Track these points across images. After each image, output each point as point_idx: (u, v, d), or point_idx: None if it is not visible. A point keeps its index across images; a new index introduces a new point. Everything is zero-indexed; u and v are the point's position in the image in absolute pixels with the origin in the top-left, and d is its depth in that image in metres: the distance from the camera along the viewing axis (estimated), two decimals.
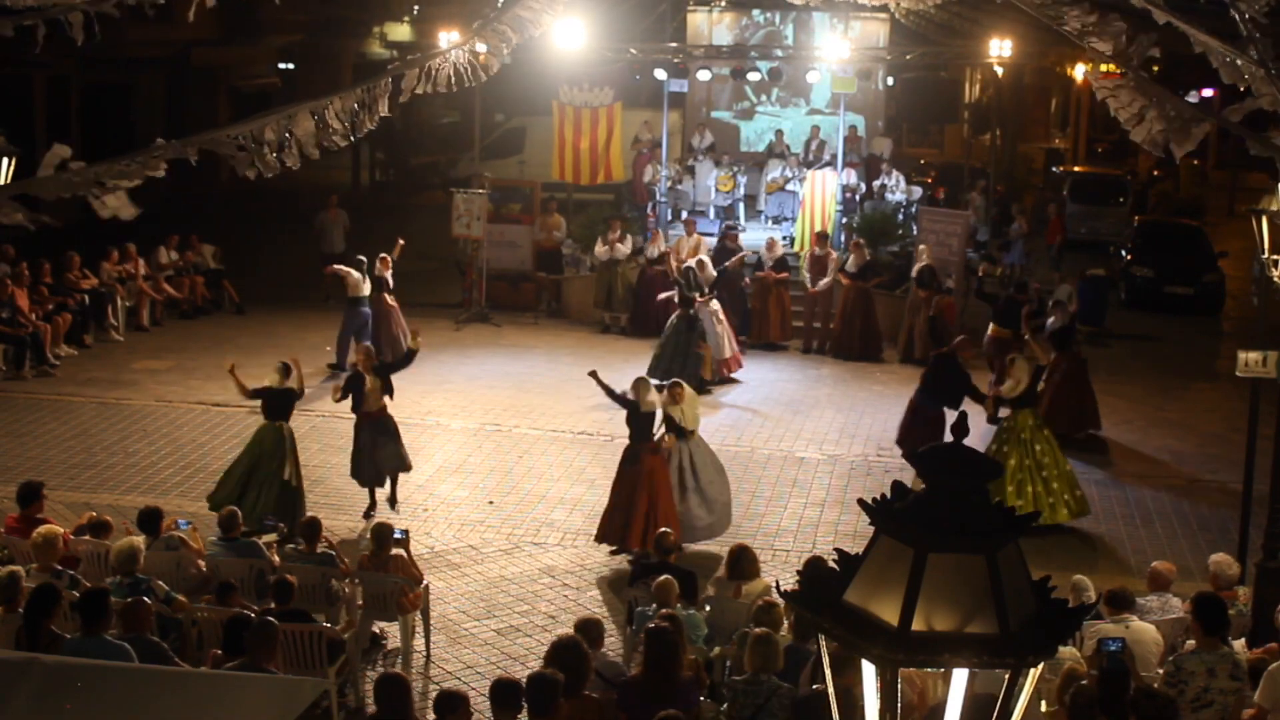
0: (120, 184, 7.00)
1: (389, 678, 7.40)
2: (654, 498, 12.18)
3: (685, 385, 12.93)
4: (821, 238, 20.90)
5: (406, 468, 13.59)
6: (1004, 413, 13.86)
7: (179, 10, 8.18)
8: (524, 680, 7.16)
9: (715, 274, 18.65)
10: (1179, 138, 7.90)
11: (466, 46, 10.29)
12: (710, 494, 12.59)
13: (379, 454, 13.34)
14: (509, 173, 26.07)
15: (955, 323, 20.39)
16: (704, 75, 24.07)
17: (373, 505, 13.48)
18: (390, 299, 18.45)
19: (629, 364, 18.46)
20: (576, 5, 18.79)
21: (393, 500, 13.58)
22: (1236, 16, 7.82)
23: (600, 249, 21.11)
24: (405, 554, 10.48)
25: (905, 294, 20.24)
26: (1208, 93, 42.70)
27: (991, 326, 17.68)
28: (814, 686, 7.62)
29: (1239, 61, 7.84)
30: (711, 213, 24.49)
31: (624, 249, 21.00)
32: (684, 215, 22.93)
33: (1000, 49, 21.46)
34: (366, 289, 18.03)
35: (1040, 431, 13.50)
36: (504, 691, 7.11)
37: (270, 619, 7.99)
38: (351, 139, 8.81)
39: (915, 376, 18.93)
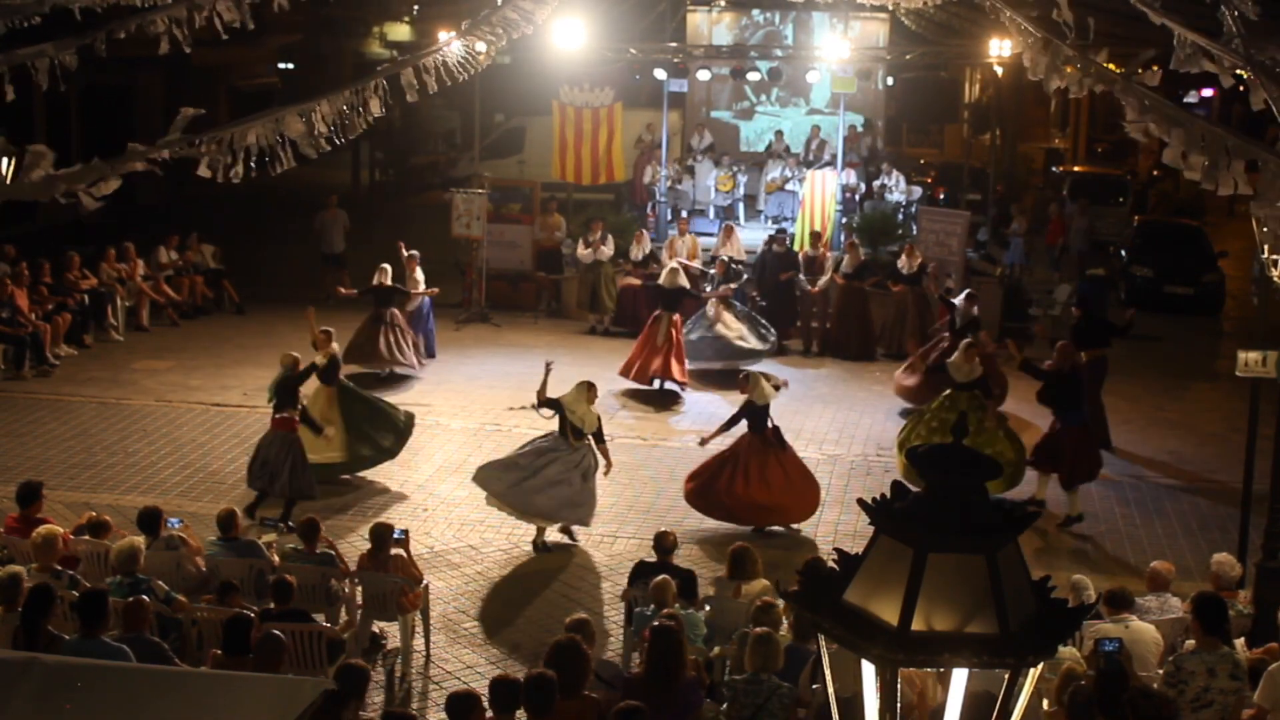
0: (98, 190, 7.06)
1: (349, 667, 7.38)
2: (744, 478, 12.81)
3: (595, 387, 13.06)
4: (816, 238, 20.93)
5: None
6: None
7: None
8: (521, 681, 7.17)
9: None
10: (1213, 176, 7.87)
11: (457, 45, 10.31)
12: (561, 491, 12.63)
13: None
14: (509, 173, 26.08)
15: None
16: (704, 75, 24.10)
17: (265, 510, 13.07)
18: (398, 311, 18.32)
19: (623, 362, 18.43)
20: (576, 5, 18.85)
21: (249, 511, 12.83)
22: (1225, 13, 7.83)
23: (583, 251, 21.10)
24: (405, 554, 10.48)
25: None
26: (1207, 93, 42.73)
27: (1082, 354, 15.65)
28: (814, 686, 7.63)
29: (1226, 60, 7.86)
30: (711, 213, 24.51)
31: (607, 250, 21.00)
32: (683, 214, 22.93)
33: (1000, 49, 21.47)
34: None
35: (975, 411, 13.62)
36: (502, 691, 7.12)
37: (275, 632, 7.96)
38: (339, 141, 8.84)
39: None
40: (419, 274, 18.90)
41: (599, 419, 12.80)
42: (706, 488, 13.05)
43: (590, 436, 12.68)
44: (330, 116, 8.61)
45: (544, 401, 12.75)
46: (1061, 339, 15.11)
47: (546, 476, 12.44)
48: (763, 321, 18.98)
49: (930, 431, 13.85)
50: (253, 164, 8.06)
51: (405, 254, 18.95)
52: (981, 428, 13.57)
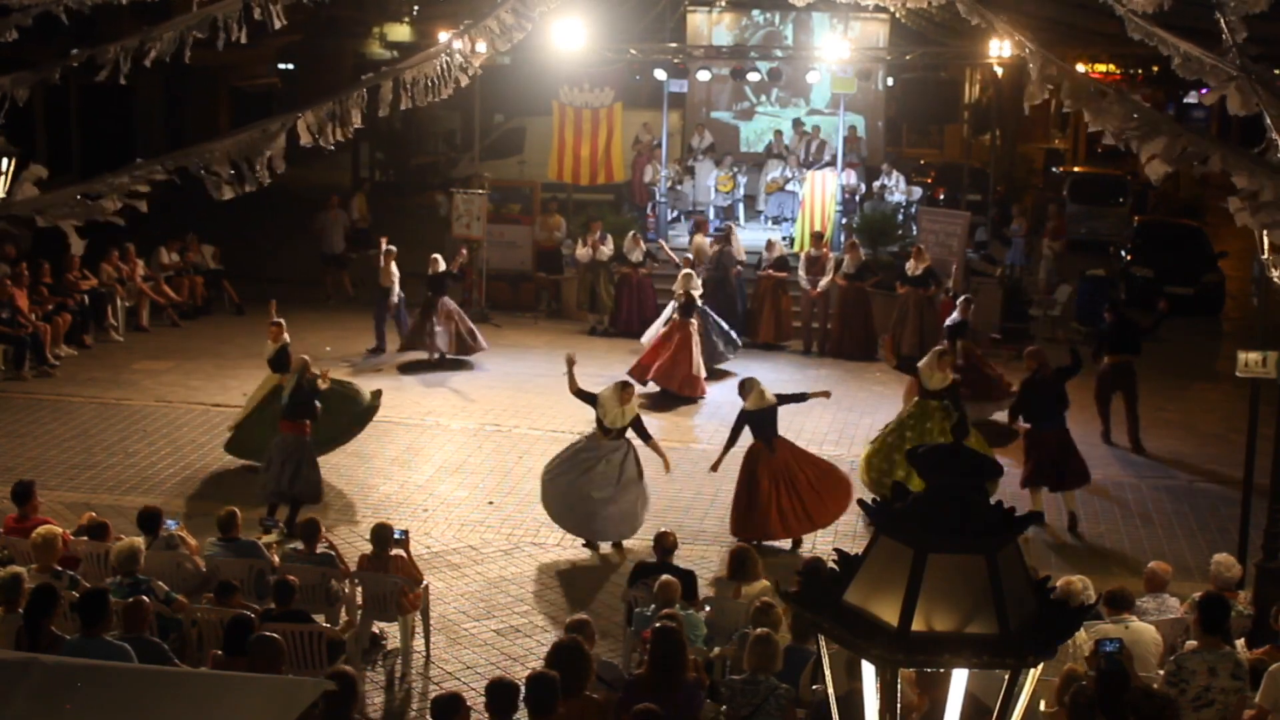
0: (103, 205, 7.13)
1: (337, 674, 7.33)
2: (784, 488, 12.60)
3: (631, 386, 13.04)
4: (818, 239, 20.93)
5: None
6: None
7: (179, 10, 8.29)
8: (523, 681, 7.16)
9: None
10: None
11: (444, 55, 10.34)
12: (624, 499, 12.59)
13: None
14: (509, 173, 26.08)
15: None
16: (704, 75, 24.09)
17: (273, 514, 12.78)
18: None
19: (626, 363, 18.46)
20: (576, 5, 18.84)
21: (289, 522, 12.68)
22: (1221, 20, 7.84)
23: (581, 251, 21.12)
24: (405, 554, 10.48)
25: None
26: (1207, 92, 42.69)
27: (1105, 358, 16.26)
28: (814, 687, 7.63)
29: (1216, 65, 7.88)
30: (711, 213, 24.51)
31: (605, 250, 21.03)
32: (704, 215, 23.02)
33: (1000, 49, 21.44)
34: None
35: (943, 422, 13.40)
36: (500, 692, 7.10)
37: (270, 634, 7.95)
38: (334, 143, 8.92)
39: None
40: (394, 268, 19.34)
41: (637, 416, 12.75)
42: (747, 515, 12.71)
43: (630, 433, 12.64)
44: (313, 126, 8.69)
45: (579, 394, 12.84)
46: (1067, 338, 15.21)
47: (596, 498, 12.38)
48: (724, 327, 18.88)
49: (902, 443, 13.23)
50: (231, 174, 8.14)
51: (384, 248, 19.47)
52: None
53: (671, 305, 18.28)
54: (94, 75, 9.61)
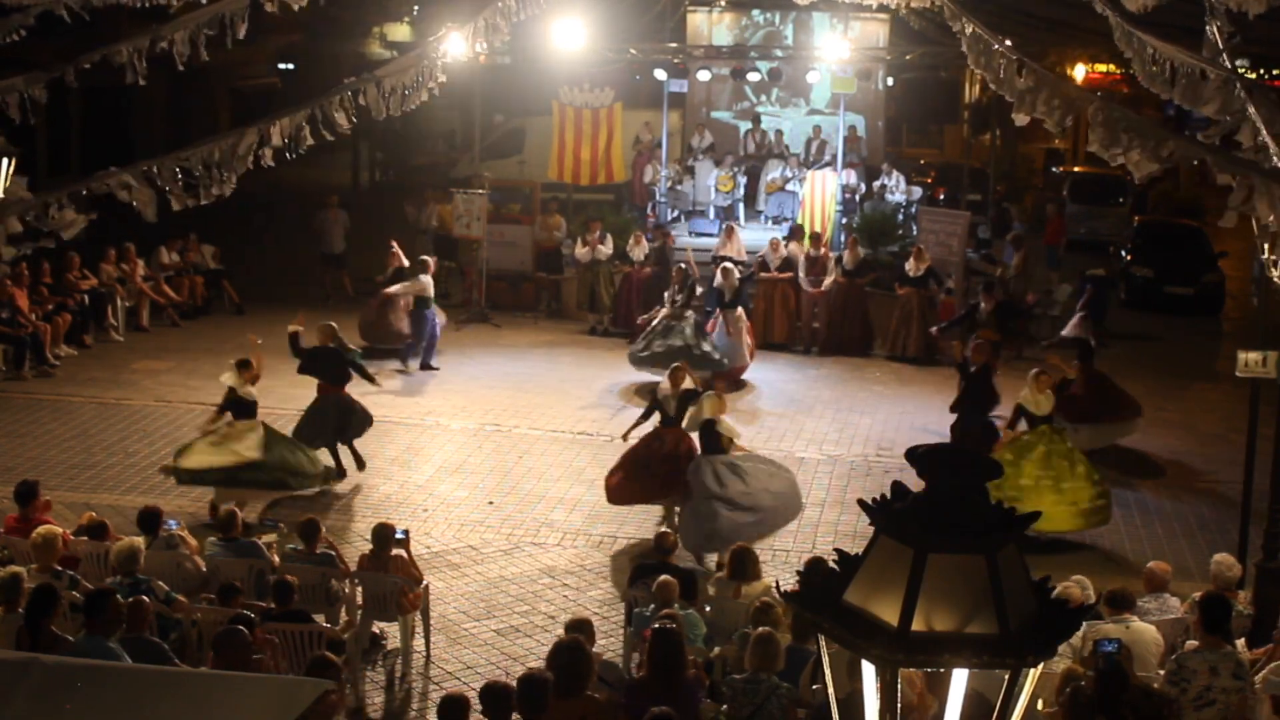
0: (66, 220, 7.21)
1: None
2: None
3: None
4: (816, 239, 20.94)
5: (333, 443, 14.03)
6: (1021, 425, 13.35)
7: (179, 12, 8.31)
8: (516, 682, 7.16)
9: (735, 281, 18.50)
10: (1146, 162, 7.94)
11: (456, 42, 10.35)
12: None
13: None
14: (509, 173, 26.08)
15: None
16: (704, 75, 24.11)
17: (357, 463, 14.13)
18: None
19: (627, 364, 18.47)
20: (576, 5, 18.85)
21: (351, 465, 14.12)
22: (1213, 30, 7.85)
23: (580, 250, 21.15)
24: (405, 554, 10.48)
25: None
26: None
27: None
28: (814, 687, 7.63)
29: (1210, 73, 7.89)
30: (711, 213, 24.52)
31: (605, 249, 21.05)
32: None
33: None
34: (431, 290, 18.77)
35: (1056, 444, 12.98)
36: (494, 695, 7.09)
37: (236, 627, 7.94)
38: (289, 156, 8.97)
39: (912, 376, 19.05)
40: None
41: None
42: (623, 482, 12.80)
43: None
44: (289, 130, 8.72)
45: (691, 425, 12.74)
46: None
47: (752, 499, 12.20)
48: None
49: (1018, 474, 12.60)
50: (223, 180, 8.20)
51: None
52: (1071, 470, 12.77)
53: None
54: (107, 77, 9.62)
